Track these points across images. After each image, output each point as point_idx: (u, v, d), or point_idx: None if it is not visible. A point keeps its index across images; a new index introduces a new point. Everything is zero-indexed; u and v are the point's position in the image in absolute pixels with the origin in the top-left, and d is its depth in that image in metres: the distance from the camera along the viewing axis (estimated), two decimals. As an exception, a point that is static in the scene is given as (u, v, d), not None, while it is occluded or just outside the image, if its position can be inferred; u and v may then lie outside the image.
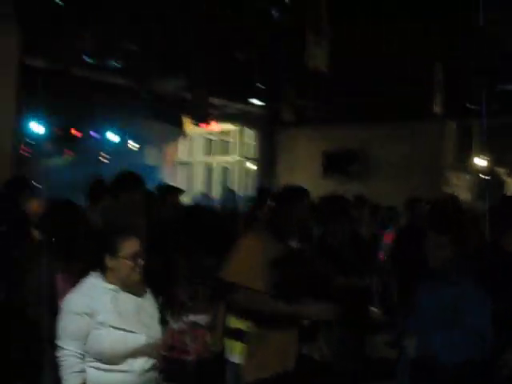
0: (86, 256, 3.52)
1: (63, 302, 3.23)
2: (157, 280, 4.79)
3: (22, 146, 9.76)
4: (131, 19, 8.58)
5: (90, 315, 3.14)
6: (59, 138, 12.04)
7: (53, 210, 4.82)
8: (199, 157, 18.40)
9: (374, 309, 7.30)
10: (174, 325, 4.52)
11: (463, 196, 12.67)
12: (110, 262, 3.27)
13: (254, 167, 17.18)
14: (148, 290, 3.51)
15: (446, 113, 11.76)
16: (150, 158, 17.40)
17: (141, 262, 3.29)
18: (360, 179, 14.32)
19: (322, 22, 7.04)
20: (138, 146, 15.40)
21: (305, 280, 4.17)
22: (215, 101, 14.03)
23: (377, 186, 13.63)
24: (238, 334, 4.02)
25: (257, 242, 4.05)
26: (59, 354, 3.15)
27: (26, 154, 12.26)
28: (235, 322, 4.07)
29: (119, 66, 10.20)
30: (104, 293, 3.25)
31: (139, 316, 3.31)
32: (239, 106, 15.30)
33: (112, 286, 3.28)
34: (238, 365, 4.19)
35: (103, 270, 3.30)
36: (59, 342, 3.15)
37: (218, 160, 17.89)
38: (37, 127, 11.04)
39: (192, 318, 4.54)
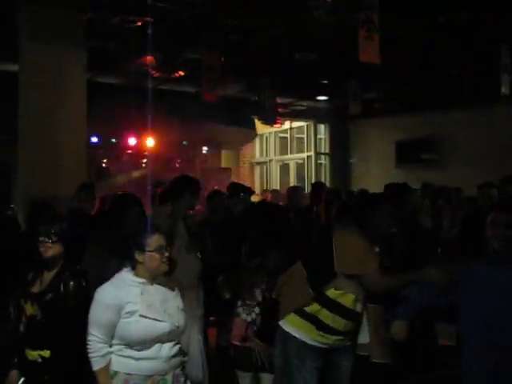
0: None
1: (96, 293, 3.51)
2: (228, 271, 5.01)
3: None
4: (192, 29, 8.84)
5: (119, 306, 3.42)
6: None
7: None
8: (274, 155, 18.59)
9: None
10: (246, 317, 4.69)
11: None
12: (139, 256, 3.53)
13: (327, 161, 17.26)
14: (176, 282, 3.76)
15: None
16: (226, 160, 17.77)
17: (166, 254, 3.56)
18: (434, 167, 14.10)
19: (372, 15, 7.04)
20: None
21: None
22: (284, 100, 14.24)
23: (454, 173, 13.37)
24: (312, 318, 4.10)
25: (355, 234, 4.11)
26: (88, 338, 3.46)
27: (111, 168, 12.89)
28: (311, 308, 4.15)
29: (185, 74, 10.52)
30: (133, 286, 3.52)
31: (165, 306, 3.55)
32: (307, 103, 15.44)
33: (141, 280, 3.54)
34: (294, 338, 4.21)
35: (133, 266, 3.57)
36: (89, 329, 3.46)
37: (293, 157, 18.02)
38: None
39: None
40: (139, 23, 8.16)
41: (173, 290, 3.69)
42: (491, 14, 8.22)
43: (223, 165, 17.32)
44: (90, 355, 3.45)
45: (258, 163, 19.19)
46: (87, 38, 7.22)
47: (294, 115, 16.37)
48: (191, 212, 5.68)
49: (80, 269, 3.96)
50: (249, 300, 4.68)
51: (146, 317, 3.45)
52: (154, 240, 3.55)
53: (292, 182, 17.61)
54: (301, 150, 17.75)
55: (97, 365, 3.43)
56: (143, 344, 3.45)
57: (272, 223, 4.86)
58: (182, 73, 10.73)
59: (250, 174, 18.81)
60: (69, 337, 3.70)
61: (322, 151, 17.41)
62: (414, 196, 6.66)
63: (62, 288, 3.81)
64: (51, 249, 3.83)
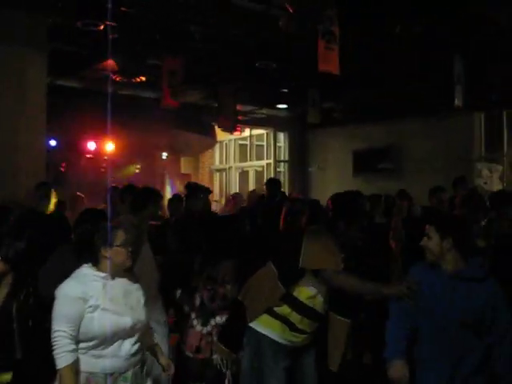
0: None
1: (59, 289, 3.45)
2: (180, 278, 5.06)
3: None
4: (154, 35, 8.87)
5: (84, 300, 3.40)
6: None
7: None
8: (234, 162, 18.68)
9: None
10: (201, 328, 4.73)
11: (496, 187, 12.59)
12: (105, 251, 3.55)
13: (286, 169, 17.41)
14: (135, 277, 3.78)
15: (472, 104, 11.70)
16: (186, 166, 17.79)
17: (130, 249, 3.58)
18: (391, 176, 14.34)
19: (332, 27, 7.19)
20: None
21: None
22: (244, 108, 14.34)
23: (410, 182, 13.61)
24: (283, 319, 4.18)
25: (324, 234, 4.24)
26: (53, 335, 3.37)
27: (62, 169, 12.78)
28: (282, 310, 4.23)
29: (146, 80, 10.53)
30: (96, 280, 3.51)
31: (127, 299, 3.58)
32: (268, 111, 15.57)
33: (103, 274, 3.54)
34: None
35: (95, 261, 3.58)
36: (54, 325, 3.38)
37: (252, 164, 18.13)
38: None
39: (218, 320, 4.75)
40: (100, 27, 8.12)
41: (134, 282, 3.71)
42: (444, 25, 8.46)
43: (183, 171, 17.34)
44: (55, 352, 3.33)
45: (218, 170, 19.26)
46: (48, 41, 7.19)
47: (254, 123, 16.50)
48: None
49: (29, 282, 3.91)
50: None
51: (108, 310, 3.44)
52: (120, 235, 3.57)
53: (250, 188, 17.70)
54: (260, 158, 17.89)
55: (63, 362, 3.31)
56: (105, 340, 3.44)
57: (221, 234, 4.98)
58: (142, 78, 10.73)
59: (209, 181, 18.84)
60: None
61: (282, 159, 17.58)
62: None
63: (14, 313, 3.77)
64: None
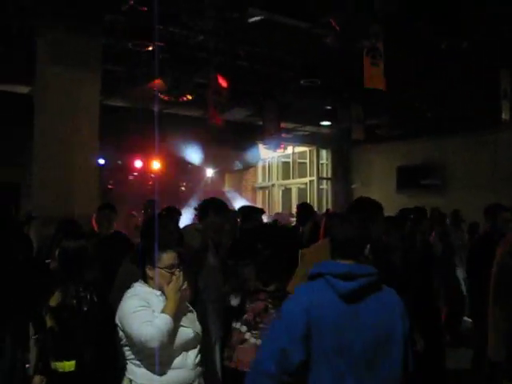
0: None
1: (125, 308, 3.54)
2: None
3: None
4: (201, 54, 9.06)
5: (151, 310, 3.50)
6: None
7: None
8: (276, 180, 18.76)
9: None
10: (256, 341, 4.72)
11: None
12: (150, 271, 3.64)
13: (329, 187, 17.42)
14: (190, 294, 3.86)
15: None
16: (230, 183, 17.93)
17: (177, 272, 3.61)
18: (435, 192, 14.24)
19: (377, 43, 7.24)
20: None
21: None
22: (288, 125, 14.44)
23: (454, 198, 13.49)
24: None
25: (315, 255, 4.32)
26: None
27: (110, 187, 13.05)
28: None
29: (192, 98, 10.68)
30: (153, 297, 3.60)
31: (185, 315, 3.68)
32: (311, 128, 15.63)
33: (158, 292, 3.63)
34: None
35: (144, 279, 3.67)
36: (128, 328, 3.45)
37: (295, 182, 18.18)
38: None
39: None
40: (149, 48, 8.35)
41: (187, 300, 3.80)
42: (490, 39, 8.44)
43: (226, 189, 17.49)
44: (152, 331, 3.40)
45: (261, 187, 19.35)
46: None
47: (297, 140, 16.57)
48: None
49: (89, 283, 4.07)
50: (262, 324, 4.69)
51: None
52: (166, 257, 3.61)
53: (294, 205, 17.73)
54: (303, 175, 17.92)
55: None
56: (171, 351, 3.52)
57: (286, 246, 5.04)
58: (189, 97, 10.90)
59: (252, 198, 18.95)
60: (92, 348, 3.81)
61: (324, 176, 17.59)
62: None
63: (74, 305, 3.92)
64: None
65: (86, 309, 3.88)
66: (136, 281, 3.73)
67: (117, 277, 4.53)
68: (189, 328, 3.63)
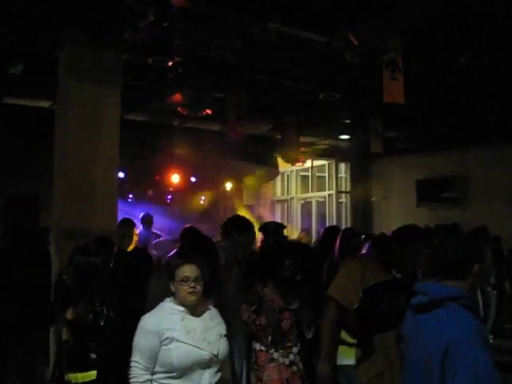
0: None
1: (140, 321, 3.70)
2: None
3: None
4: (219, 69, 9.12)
5: (159, 333, 3.60)
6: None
7: None
8: (295, 193, 18.75)
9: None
10: (284, 360, 4.67)
11: None
12: (171, 286, 3.76)
13: (348, 200, 17.37)
14: (214, 312, 3.92)
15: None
16: (248, 197, 17.95)
17: (195, 285, 3.70)
18: (456, 205, 14.15)
19: (396, 57, 7.25)
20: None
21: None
22: (307, 139, 14.46)
23: (475, 211, 13.41)
24: (348, 344, 4.36)
25: (356, 265, 4.50)
26: (130, 365, 3.61)
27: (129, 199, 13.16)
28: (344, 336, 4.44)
29: (211, 113, 10.77)
30: (174, 313, 3.71)
31: (206, 334, 3.73)
32: (329, 141, 15.64)
33: (181, 308, 3.73)
34: (348, 366, 4.51)
35: (173, 295, 3.79)
36: (132, 356, 3.63)
37: (314, 195, 18.16)
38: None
39: (295, 350, 4.72)
40: (169, 63, 8.43)
41: (213, 318, 3.86)
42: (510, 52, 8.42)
43: (244, 202, 17.51)
44: (130, 381, 3.59)
45: (279, 201, 19.35)
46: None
47: (316, 154, 16.58)
48: None
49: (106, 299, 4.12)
50: (289, 342, 4.67)
51: (184, 342, 3.60)
52: (182, 271, 3.71)
53: (313, 220, 17.73)
54: (322, 189, 17.90)
55: None
56: (184, 370, 3.58)
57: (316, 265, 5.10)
58: (208, 111, 10.98)
59: (270, 212, 18.95)
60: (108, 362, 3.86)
61: (343, 189, 17.56)
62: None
63: (90, 319, 3.97)
64: None
65: (102, 323, 3.94)
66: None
67: (149, 291, 4.59)
68: (203, 351, 3.67)
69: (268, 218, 17.95)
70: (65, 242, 6.27)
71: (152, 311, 3.74)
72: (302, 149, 13.62)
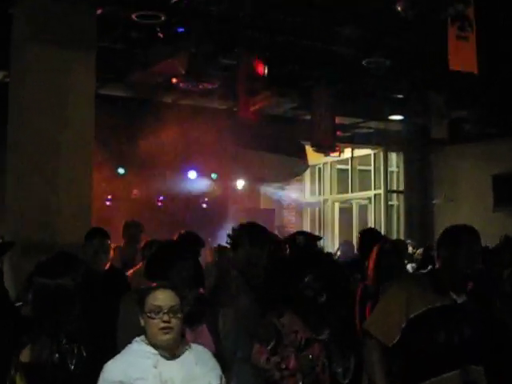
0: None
1: (102, 369, 3.64)
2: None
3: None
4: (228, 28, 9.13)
5: (125, 383, 3.54)
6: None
7: None
8: (330, 194, 18.74)
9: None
10: None
11: None
12: (141, 320, 3.65)
13: (401, 202, 17.34)
14: (202, 352, 3.84)
15: None
16: (267, 198, 17.95)
17: (169, 318, 3.58)
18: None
19: (466, 9, 7.20)
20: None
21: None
22: (345, 120, 14.43)
23: None
24: None
25: (401, 291, 4.50)
26: None
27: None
28: None
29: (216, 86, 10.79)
30: (146, 357, 3.61)
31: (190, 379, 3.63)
32: (376, 124, 15.59)
33: (154, 351, 3.62)
34: None
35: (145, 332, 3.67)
36: None
37: (354, 197, 18.14)
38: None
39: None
40: (161, 18, 8.46)
41: (204, 363, 3.78)
42: None
43: (263, 205, 17.52)
44: None
45: (309, 204, 19.35)
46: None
47: (358, 140, 16.57)
48: None
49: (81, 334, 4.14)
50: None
51: None
52: (152, 298, 3.63)
53: (354, 229, 17.71)
54: (366, 188, 17.88)
55: None
56: None
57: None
58: (212, 84, 11.00)
59: (297, 219, 18.97)
60: None
61: (395, 188, 17.53)
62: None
63: (56, 361, 3.99)
64: None
65: (72, 367, 3.95)
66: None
67: (118, 325, 4.60)
68: None
69: (293, 227, 17.98)
70: (25, 261, 6.30)
71: (117, 356, 3.68)
72: (338, 133, 13.61)
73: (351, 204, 18.40)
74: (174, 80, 10.68)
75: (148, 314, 3.59)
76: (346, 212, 18.51)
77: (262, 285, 5.35)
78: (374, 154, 17.55)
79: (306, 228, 18.79)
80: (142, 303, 3.64)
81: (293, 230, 18.04)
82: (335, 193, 18.76)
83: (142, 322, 3.64)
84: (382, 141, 16.75)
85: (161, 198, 14.82)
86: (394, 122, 15.45)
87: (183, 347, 3.71)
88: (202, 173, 14.41)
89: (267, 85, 10.14)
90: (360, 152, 17.86)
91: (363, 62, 10.16)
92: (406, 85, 12.01)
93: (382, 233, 16.03)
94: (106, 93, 11.71)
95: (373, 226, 16.74)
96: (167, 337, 3.60)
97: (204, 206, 15.59)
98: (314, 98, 11.85)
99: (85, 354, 4.04)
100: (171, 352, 3.65)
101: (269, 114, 12.30)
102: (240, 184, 16.03)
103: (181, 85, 10.84)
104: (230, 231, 5.83)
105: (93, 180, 7.56)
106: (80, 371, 4.00)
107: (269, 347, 4.49)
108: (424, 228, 16.36)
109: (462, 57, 7.39)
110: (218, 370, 3.83)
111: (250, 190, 16.57)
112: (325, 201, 18.88)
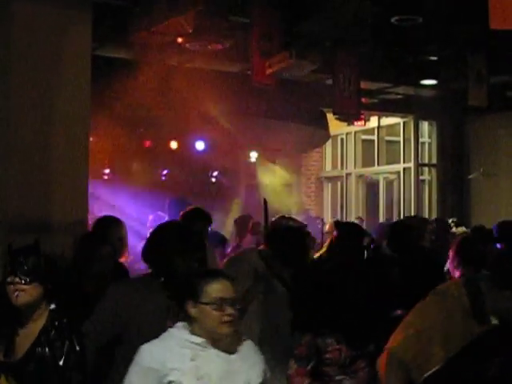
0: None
1: (138, 350, 3.75)
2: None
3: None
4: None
5: (160, 372, 3.63)
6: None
7: None
8: (354, 168, 18.71)
9: None
10: None
11: None
12: (191, 309, 3.73)
13: (433, 177, 17.29)
14: (250, 347, 3.92)
15: None
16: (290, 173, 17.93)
17: (230, 310, 3.69)
18: None
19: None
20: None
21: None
22: (371, 85, 14.36)
23: None
24: None
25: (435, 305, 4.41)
26: None
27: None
28: None
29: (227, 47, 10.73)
30: (186, 347, 3.69)
31: (225, 382, 3.70)
32: (405, 89, 15.52)
33: (197, 340, 3.71)
34: None
35: (189, 321, 3.75)
36: None
37: (381, 170, 18.10)
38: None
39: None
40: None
41: (247, 358, 3.85)
42: None
43: (279, 180, 17.49)
44: None
45: (329, 178, 19.34)
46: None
47: (385, 108, 16.49)
48: None
49: (72, 323, 4.12)
50: None
51: None
52: (214, 289, 3.71)
53: (381, 207, 17.69)
54: (394, 160, 17.85)
55: None
56: None
57: None
58: (222, 43, 10.95)
59: (316, 195, 18.96)
60: None
61: (426, 162, 17.47)
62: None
63: (47, 353, 3.96)
64: (24, 293, 4.01)
65: (61, 362, 3.94)
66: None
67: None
68: None
69: (311, 203, 18.00)
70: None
71: (154, 341, 3.77)
72: (363, 100, 13.56)
73: (377, 179, 18.34)
74: (180, 40, 10.64)
75: (209, 306, 3.68)
76: (371, 188, 18.47)
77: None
78: (404, 123, 17.49)
79: (327, 206, 18.81)
80: (196, 292, 3.71)
81: (311, 207, 18.13)
82: (359, 166, 18.72)
83: (193, 312, 3.71)
84: (413, 108, 16.65)
85: (164, 171, 14.83)
86: (426, 87, 15.34)
87: (232, 339, 3.84)
88: (211, 143, 14.37)
89: (284, 45, 10.07)
90: (388, 121, 17.83)
91: (392, 20, 10.08)
92: (440, 45, 11.94)
93: (412, 211, 16.18)
94: (104, 54, 11.68)
95: (402, 204, 16.78)
96: (229, 330, 3.75)
97: (213, 180, 15.57)
98: (337, 59, 11.78)
99: (78, 348, 4.03)
100: (219, 343, 3.75)
101: (286, 78, 12.24)
102: (253, 156, 15.99)
103: (187, 45, 10.81)
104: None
105: (89, 151, 7.54)
106: (69, 366, 3.99)
107: (308, 367, 4.47)
108: (459, 206, 16.31)
109: (506, 14, 7.28)
110: (260, 365, 3.95)
111: (264, 162, 16.54)
112: (347, 175, 18.85)
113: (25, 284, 3.97)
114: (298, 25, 10.29)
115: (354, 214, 17.85)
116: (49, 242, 5.08)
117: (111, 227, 6.82)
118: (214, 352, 3.71)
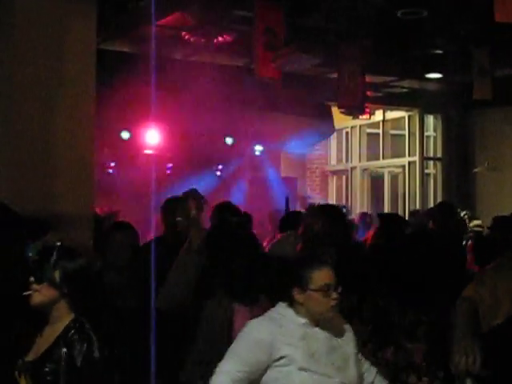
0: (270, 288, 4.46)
1: (246, 325, 3.97)
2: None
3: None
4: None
5: (272, 345, 3.84)
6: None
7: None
8: (359, 161, 18.72)
9: None
10: None
11: None
12: (298, 296, 3.97)
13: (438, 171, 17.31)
14: (347, 326, 4.18)
15: None
16: (287, 167, 17.95)
17: (335, 295, 3.94)
18: None
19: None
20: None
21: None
22: (376, 79, 14.38)
23: None
24: None
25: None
26: (215, 370, 3.83)
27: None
28: None
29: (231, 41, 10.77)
30: (294, 325, 3.95)
31: (332, 357, 3.95)
32: (411, 82, 15.54)
33: (304, 321, 3.97)
34: None
35: (292, 304, 4.01)
36: (223, 359, 3.85)
37: (386, 164, 18.11)
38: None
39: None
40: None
41: (342, 333, 4.09)
42: None
43: (283, 173, 17.52)
44: None
45: (334, 172, 19.36)
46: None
47: (390, 101, 16.51)
48: None
49: (95, 327, 4.14)
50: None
51: (309, 370, 3.82)
52: (321, 276, 3.96)
53: (386, 201, 17.71)
54: (399, 154, 17.87)
55: None
56: None
57: None
58: (226, 38, 10.99)
59: (321, 188, 18.98)
60: None
61: (431, 155, 17.50)
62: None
63: (64, 355, 3.99)
64: (38, 293, 4.02)
65: (78, 364, 3.96)
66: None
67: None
68: (333, 378, 3.87)
69: (316, 197, 18.00)
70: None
71: (262, 317, 4.02)
72: (368, 93, 13.57)
73: (382, 173, 18.36)
74: (185, 34, 10.68)
75: (319, 293, 3.95)
76: (376, 182, 18.48)
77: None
78: (409, 117, 17.54)
79: (332, 200, 18.82)
80: (305, 278, 3.97)
81: (317, 200, 18.13)
82: (364, 160, 18.75)
83: (300, 298, 3.97)
84: (418, 102, 16.70)
85: (169, 165, 14.83)
86: (431, 80, 15.42)
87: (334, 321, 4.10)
88: (216, 137, 14.39)
89: (288, 39, 10.10)
90: (393, 114, 17.85)
91: (398, 13, 10.11)
92: (446, 38, 11.97)
93: (417, 205, 16.20)
94: (108, 48, 11.73)
95: (407, 198, 16.80)
96: (333, 313, 4.03)
97: (218, 173, 15.59)
98: (342, 53, 11.79)
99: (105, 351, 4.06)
100: (325, 325, 4.03)
101: (290, 72, 12.26)
102: (258, 149, 16.00)
103: (192, 39, 10.85)
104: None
105: (94, 145, 7.55)
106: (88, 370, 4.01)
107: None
108: (464, 200, 16.32)
109: (510, 8, 7.33)
110: (353, 338, 4.20)
111: (268, 157, 16.56)
112: (352, 169, 18.88)
113: (36, 283, 4.00)
114: (302, 18, 10.31)
115: (359, 207, 17.88)
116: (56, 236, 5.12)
117: None
118: (318, 330, 3.97)
